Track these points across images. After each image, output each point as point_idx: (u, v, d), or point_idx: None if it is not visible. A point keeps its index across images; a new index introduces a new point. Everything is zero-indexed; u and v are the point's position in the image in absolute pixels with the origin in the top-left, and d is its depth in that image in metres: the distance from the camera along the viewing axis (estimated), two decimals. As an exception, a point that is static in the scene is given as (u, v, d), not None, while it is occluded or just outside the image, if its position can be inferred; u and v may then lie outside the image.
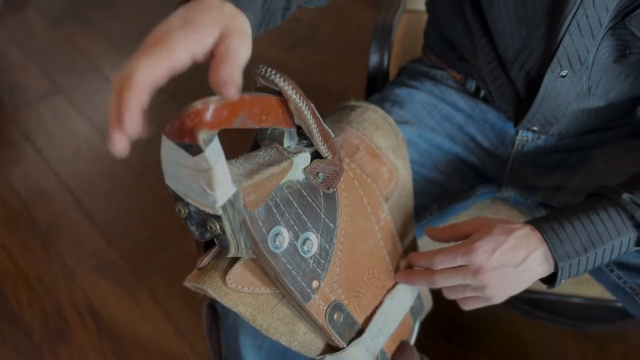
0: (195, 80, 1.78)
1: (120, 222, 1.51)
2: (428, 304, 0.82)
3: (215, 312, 0.73)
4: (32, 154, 1.70)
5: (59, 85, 1.91)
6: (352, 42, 1.99)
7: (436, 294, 0.84)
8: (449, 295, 0.69)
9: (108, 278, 1.39)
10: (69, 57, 2.02)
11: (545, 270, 0.66)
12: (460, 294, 0.68)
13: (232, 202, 0.49)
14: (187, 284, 0.58)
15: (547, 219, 0.66)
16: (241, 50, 0.47)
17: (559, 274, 0.65)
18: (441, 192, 0.83)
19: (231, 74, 0.45)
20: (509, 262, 0.64)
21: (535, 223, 0.66)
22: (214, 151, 0.46)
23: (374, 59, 0.97)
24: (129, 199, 1.57)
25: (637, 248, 0.66)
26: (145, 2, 2.23)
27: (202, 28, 0.47)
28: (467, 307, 0.70)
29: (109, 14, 2.19)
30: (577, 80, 0.74)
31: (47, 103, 1.85)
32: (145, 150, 1.70)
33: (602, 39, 0.70)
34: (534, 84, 0.77)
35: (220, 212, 0.49)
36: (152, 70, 0.43)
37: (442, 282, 0.67)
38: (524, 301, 1.21)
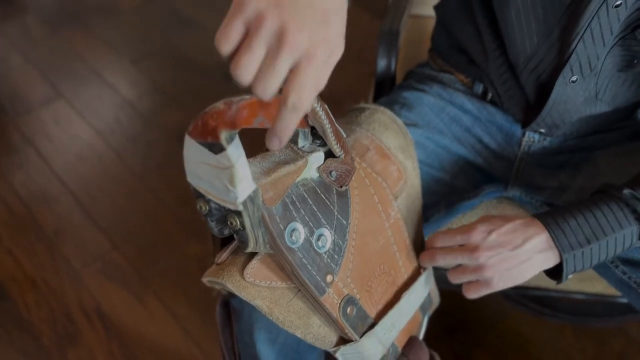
0: (195, 84, 1.80)
1: (124, 225, 1.52)
2: (436, 299, 0.83)
3: (228, 310, 0.74)
4: (34, 159, 1.70)
5: (60, 90, 1.92)
6: (351, 44, 2.00)
7: (441, 291, 0.85)
8: (453, 280, 0.72)
9: (114, 281, 1.40)
10: (69, 62, 2.02)
11: (549, 258, 0.67)
12: (461, 275, 0.71)
13: (252, 199, 0.51)
14: (206, 279, 0.60)
15: (550, 213, 0.69)
16: None
17: (564, 266, 0.67)
18: (448, 190, 0.85)
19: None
20: (506, 243, 0.67)
21: (537, 215, 0.69)
22: (235, 149, 0.48)
23: (381, 64, 0.97)
24: (131, 202, 1.58)
25: None
26: (144, 7, 2.24)
27: None
28: (470, 294, 0.72)
29: (107, 18, 2.20)
30: (586, 86, 0.76)
31: (48, 108, 1.86)
32: (147, 154, 1.71)
33: (611, 47, 0.72)
34: (543, 88, 0.78)
35: (241, 207, 0.51)
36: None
37: (441, 259, 0.71)
38: (527, 298, 1.23)
